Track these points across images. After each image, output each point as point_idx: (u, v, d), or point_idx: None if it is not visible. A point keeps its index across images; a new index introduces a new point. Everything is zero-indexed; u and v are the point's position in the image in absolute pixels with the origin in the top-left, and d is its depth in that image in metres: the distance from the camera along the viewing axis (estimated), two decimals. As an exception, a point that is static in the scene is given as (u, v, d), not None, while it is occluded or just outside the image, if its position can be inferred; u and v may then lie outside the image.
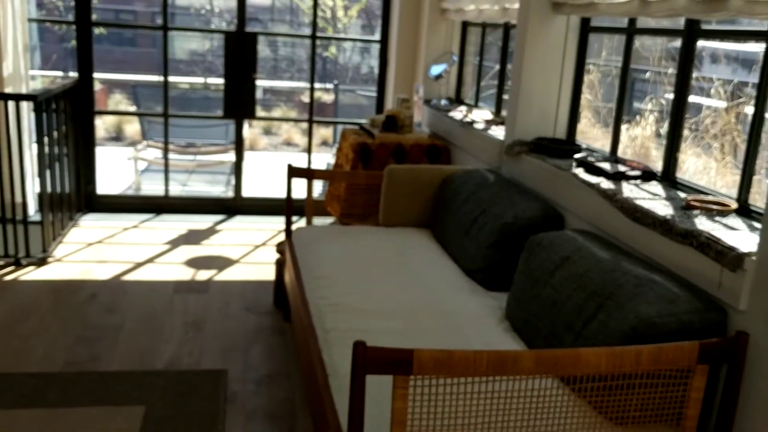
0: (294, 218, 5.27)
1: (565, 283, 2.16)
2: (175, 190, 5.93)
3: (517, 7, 3.35)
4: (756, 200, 2.16)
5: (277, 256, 3.72)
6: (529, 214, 2.74)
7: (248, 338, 3.30)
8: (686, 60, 2.47)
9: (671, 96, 4.45)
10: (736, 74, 3.86)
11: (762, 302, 1.71)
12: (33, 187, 4.56)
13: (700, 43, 3.80)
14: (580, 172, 2.69)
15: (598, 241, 2.30)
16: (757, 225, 2.02)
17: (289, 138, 9.49)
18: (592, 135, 3.95)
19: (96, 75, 4.96)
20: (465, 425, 1.59)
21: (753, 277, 1.73)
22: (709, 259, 1.86)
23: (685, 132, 2.77)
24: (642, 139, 4.66)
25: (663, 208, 2.18)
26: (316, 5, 5.27)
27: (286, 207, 3.41)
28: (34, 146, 4.33)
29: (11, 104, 4.15)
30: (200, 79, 10.28)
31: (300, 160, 8.60)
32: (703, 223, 2.02)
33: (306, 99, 11.54)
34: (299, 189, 5.54)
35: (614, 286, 1.98)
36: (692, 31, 2.44)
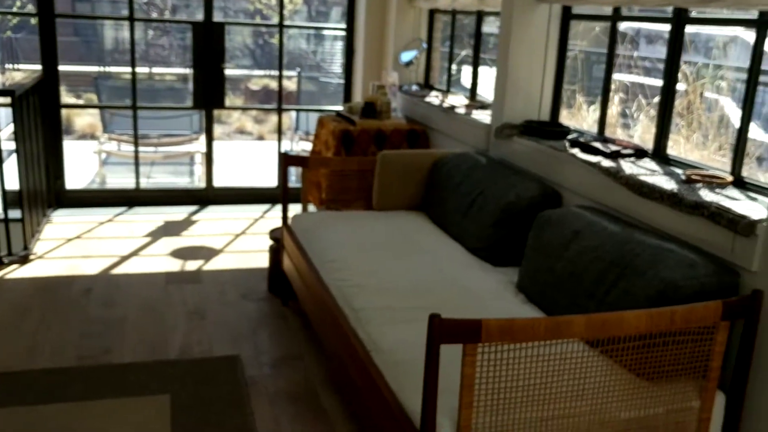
0: (267, 206, 5.34)
1: (581, 256, 2.33)
2: (142, 182, 5.85)
3: (500, -4, 3.50)
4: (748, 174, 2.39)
5: (269, 243, 3.78)
6: (530, 193, 2.90)
7: (252, 324, 3.36)
8: (675, 45, 2.66)
9: (633, 77, 4.72)
10: (697, 57, 4.15)
11: (772, 263, 1.91)
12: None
13: (661, 27, 4.04)
14: (576, 152, 2.87)
15: (606, 215, 2.48)
16: (754, 195, 2.23)
17: (242, 126, 9.43)
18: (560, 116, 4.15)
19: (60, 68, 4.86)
20: (524, 387, 1.74)
21: (764, 241, 1.93)
22: (720, 227, 2.06)
23: (651, 112, 2.98)
24: (609, 118, 4.89)
25: (667, 183, 2.38)
26: (282, -7, 5.29)
27: (282, 194, 3.48)
28: (5, 143, 4.23)
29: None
30: (162, 70, 10.06)
31: (256, 148, 8.58)
32: (707, 195, 2.22)
33: (253, 87, 11.39)
34: (269, 178, 5.58)
35: (631, 255, 2.16)
36: (680, 18, 2.64)
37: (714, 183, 2.33)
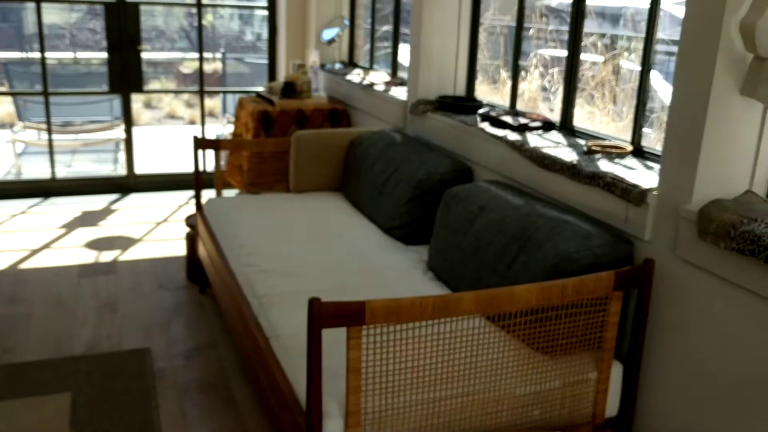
0: (192, 192, 5.19)
1: (486, 231, 2.30)
2: (61, 171, 5.63)
3: (411, -31, 3.43)
4: (647, 143, 2.38)
5: (187, 230, 3.67)
6: (441, 169, 2.86)
7: (167, 314, 3.25)
8: (577, 17, 2.64)
9: (552, 51, 4.69)
10: (605, 28, 4.16)
11: (663, 231, 1.91)
12: None
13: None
14: (486, 126, 2.83)
15: (511, 189, 2.45)
16: (651, 164, 2.23)
17: (172, 111, 9.18)
18: (482, 91, 4.13)
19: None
20: (414, 368, 1.70)
21: (655, 210, 1.93)
22: (615, 197, 2.05)
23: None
24: (529, 92, 4.90)
25: (568, 154, 2.36)
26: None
27: (195, 179, 3.36)
28: None
29: None
30: (70, 54, 9.68)
31: (187, 133, 8.36)
32: (605, 165, 2.20)
33: (184, 70, 11.07)
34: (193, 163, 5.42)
35: (532, 228, 2.14)
36: (581, -12, 2.61)
37: (613, 153, 2.32)
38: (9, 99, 6.50)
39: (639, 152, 2.35)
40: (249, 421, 2.46)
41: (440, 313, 1.66)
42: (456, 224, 2.46)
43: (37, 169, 5.56)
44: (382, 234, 2.95)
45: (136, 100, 9.15)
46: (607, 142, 2.44)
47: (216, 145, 3.40)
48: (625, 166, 2.20)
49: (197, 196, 3.39)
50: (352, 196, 3.36)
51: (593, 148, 2.38)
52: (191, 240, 3.54)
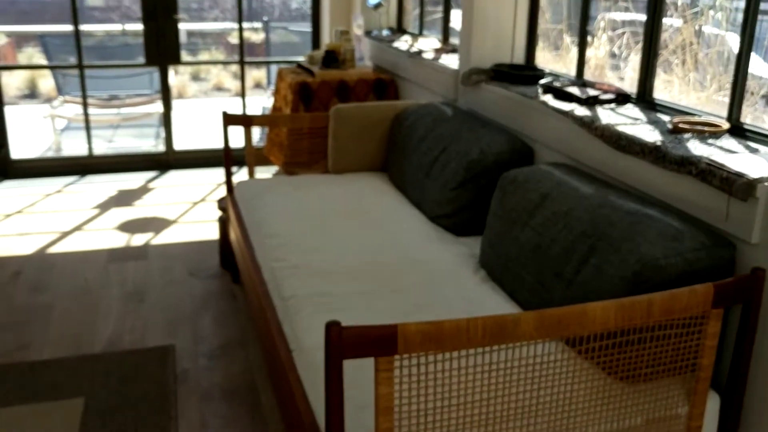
0: (234, 169, 4.93)
1: (548, 224, 1.94)
2: (101, 148, 5.47)
3: None
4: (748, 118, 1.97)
5: (219, 213, 3.41)
6: (496, 148, 2.49)
7: (195, 306, 3.01)
8: (661, -34, 2.22)
9: (622, 14, 4.18)
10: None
11: (777, 233, 1.52)
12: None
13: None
14: (549, 99, 2.45)
15: (579, 174, 2.07)
16: (755, 146, 1.82)
17: (219, 83, 8.95)
18: (543, 59, 3.71)
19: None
20: (459, 406, 1.37)
21: (766, 206, 1.54)
22: (712, 188, 1.66)
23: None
24: (596, 59, 4.44)
25: (649, 133, 1.96)
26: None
27: (224, 159, 3.08)
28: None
29: None
30: (117, 26, 9.55)
31: (234, 106, 8.14)
32: (697, 148, 1.81)
33: (233, 40, 10.85)
34: (236, 138, 5.17)
35: (606, 224, 1.77)
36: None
37: (706, 132, 1.91)
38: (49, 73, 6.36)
39: (738, 131, 1.93)
40: (275, 437, 2.19)
41: (493, 339, 1.33)
42: (513, 214, 2.10)
43: (78, 146, 5.40)
44: (429, 223, 2.61)
45: (183, 72, 8.97)
46: (696, 119, 2.03)
47: (246, 121, 3.10)
48: (722, 148, 1.80)
49: (228, 178, 3.11)
50: (396, 177, 3.02)
51: (680, 125, 1.97)
52: (223, 224, 3.27)
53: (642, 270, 1.58)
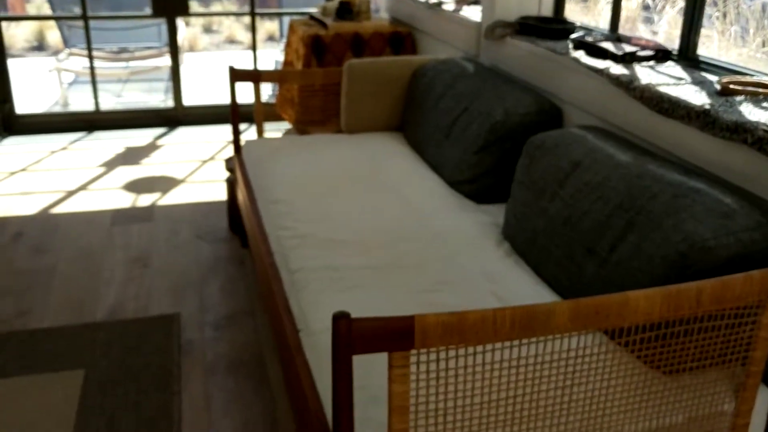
0: (245, 126, 4.76)
1: (580, 195, 1.77)
2: (108, 103, 5.31)
3: None
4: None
5: (227, 174, 3.26)
6: (523, 109, 2.30)
7: (202, 272, 2.88)
8: None
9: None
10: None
11: None
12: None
13: None
14: (580, 55, 2.24)
15: (614, 139, 1.89)
16: (818, 110, 1.63)
17: (231, 35, 8.71)
18: (572, 11, 3.48)
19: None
20: (484, 404, 1.23)
21: (834, 181, 1.36)
22: (770, 159, 1.48)
23: (679, 2, 2.33)
24: (627, 11, 4.20)
25: (695, 95, 1.77)
26: None
27: (231, 116, 2.92)
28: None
29: None
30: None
31: (246, 60, 7.91)
32: (752, 112, 1.62)
33: (247, -10, 10.57)
34: (246, 94, 4.98)
35: (645, 197, 1.59)
36: None
37: (760, 94, 1.72)
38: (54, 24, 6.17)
39: (796, 92, 1.73)
40: (280, 415, 2.07)
41: (523, 331, 1.17)
42: (541, 183, 1.93)
43: (85, 101, 5.25)
44: (448, 189, 2.44)
45: (195, 24, 8.73)
46: (748, 78, 1.83)
47: (255, 76, 2.92)
48: (780, 112, 1.61)
49: (236, 137, 2.95)
50: (412, 138, 2.84)
51: (730, 86, 1.78)
52: (231, 185, 3.13)
53: (689, 251, 1.41)
